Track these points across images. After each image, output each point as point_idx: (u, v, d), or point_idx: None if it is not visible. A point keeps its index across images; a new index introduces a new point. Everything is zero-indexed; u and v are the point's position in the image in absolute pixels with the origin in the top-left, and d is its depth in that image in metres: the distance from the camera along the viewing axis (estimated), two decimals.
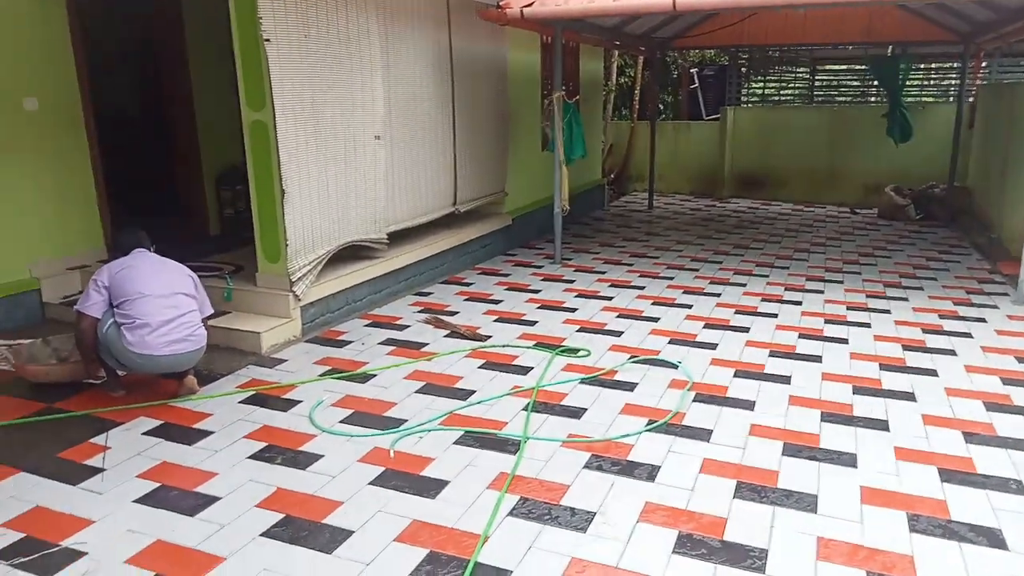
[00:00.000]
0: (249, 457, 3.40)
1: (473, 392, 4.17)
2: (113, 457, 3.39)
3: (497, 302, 6.07)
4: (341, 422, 3.78)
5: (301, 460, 3.38)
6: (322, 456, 3.42)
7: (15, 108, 5.24)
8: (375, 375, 4.41)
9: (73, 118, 5.64)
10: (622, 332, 5.27)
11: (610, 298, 6.20)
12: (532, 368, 4.54)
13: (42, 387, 4.12)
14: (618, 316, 5.68)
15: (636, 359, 4.69)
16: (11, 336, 4.97)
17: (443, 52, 6.67)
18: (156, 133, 7.51)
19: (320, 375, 4.41)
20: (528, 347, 4.92)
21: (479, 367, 4.56)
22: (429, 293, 6.33)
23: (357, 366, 4.55)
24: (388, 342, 5.01)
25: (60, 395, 4.05)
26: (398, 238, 6.29)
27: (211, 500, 3.03)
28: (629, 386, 4.28)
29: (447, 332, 5.22)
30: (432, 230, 6.92)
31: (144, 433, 3.64)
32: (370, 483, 3.17)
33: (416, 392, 4.16)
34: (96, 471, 3.26)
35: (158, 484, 3.15)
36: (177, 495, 3.07)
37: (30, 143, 5.35)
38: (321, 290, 5.27)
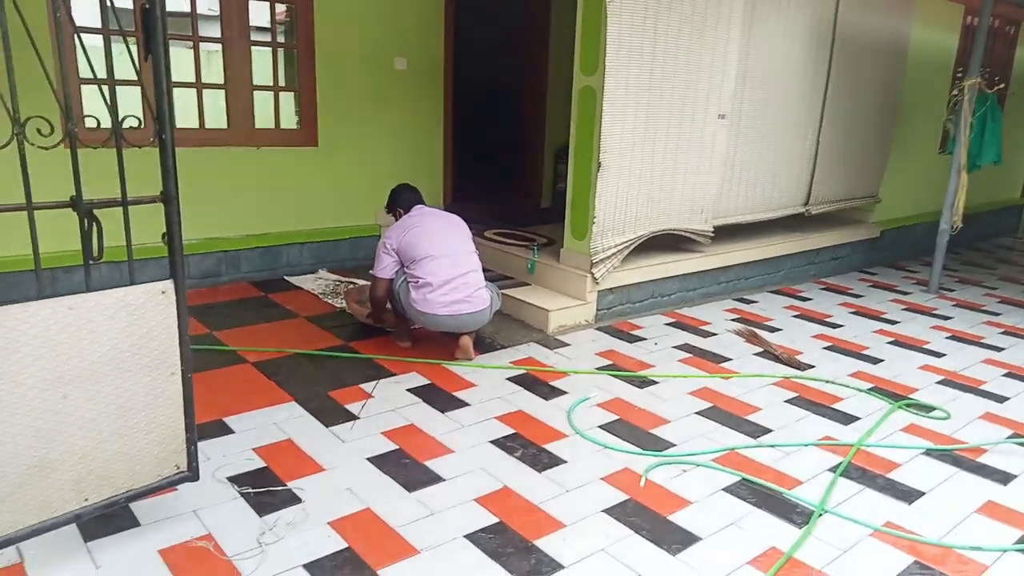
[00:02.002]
0: (491, 441, 3.09)
1: (769, 431, 3.32)
2: (371, 407, 3.35)
3: (835, 326, 4.96)
4: (600, 426, 3.27)
5: (541, 460, 2.96)
6: (565, 462, 2.95)
7: (387, 65, 5.67)
8: (657, 382, 3.81)
9: (435, 81, 5.95)
10: (1007, 398, 3.86)
11: (1000, 349, 4.66)
12: (859, 419, 3.50)
13: (353, 325, 4.35)
14: (1006, 375, 4.21)
15: (1023, 440, 3.35)
16: (346, 273, 5.44)
17: (825, 22, 5.62)
18: (508, 101, 7.71)
19: (597, 368, 3.95)
20: (860, 390, 3.85)
21: (786, 400, 3.67)
22: (752, 301, 5.45)
23: (641, 367, 3.99)
24: (685, 347, 4.34)
25: (358, 335, 4.22)
26: (725, 233, 5.51)
27: (435, 479, 2.77)
28: (1001, 476, 3.03)
29: (759, 350, 4.36)
30: (768, 229, 5.97)
31: (408, 389, 3.56)
32: (604, 510, 2.62)
33: (697, 413, 3.46)
34: (351, 417, 3.24)
35: (396, 447, 3.00)
36: (408, 464, 2.87)
37: (395, 100, 5.75)
38: (623, 277, 4.79)
